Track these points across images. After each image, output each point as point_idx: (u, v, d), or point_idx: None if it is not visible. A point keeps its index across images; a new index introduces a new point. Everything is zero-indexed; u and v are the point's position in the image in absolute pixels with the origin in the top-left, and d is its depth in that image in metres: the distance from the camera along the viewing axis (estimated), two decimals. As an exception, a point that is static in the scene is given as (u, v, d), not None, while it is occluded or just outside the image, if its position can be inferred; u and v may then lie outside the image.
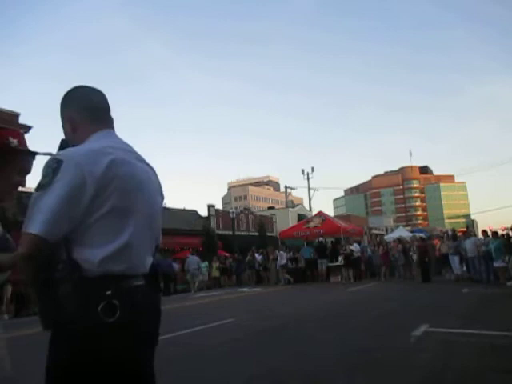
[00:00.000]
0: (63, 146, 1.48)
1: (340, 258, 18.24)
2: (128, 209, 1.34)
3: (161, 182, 1.60)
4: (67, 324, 1.22)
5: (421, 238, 17.02)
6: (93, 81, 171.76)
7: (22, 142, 1.69)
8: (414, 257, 15.54)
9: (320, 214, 20.68)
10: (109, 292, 1.24)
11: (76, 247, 1.28)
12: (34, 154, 1.70)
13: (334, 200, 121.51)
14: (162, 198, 1.58)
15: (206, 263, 19.95)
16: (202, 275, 18.48)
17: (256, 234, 28.14)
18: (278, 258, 18.48)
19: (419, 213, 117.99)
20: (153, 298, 1.42)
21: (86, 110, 1.48)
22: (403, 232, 25.30)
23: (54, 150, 1.49)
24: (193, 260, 18.20)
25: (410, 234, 22.35)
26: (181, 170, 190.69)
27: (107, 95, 1.57)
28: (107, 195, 1.29)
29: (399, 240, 17.50)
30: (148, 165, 1.54)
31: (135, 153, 1.50)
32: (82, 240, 1.28)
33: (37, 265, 1.24)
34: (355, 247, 17.80)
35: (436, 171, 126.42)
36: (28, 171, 1.73)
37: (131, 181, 1.37)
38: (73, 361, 1.22)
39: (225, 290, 17.17)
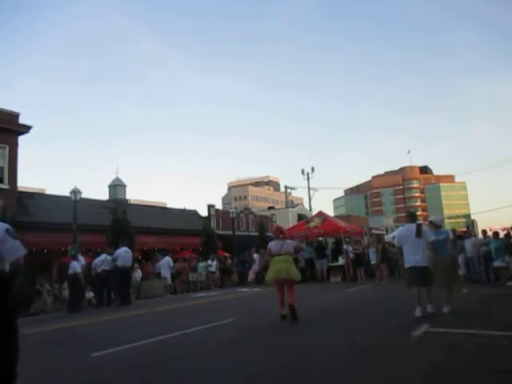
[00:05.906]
0: None
1: (340, 258, 18.21)
2: None
3: None
4: None
5: None
6: (92, 80, 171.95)
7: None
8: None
9: (320, 213, 20.60)
10: None
11: None
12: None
13: (334, 200, 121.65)
14: None
15: (204, 263, 19.94)
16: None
17: (256, 233, 28.11)
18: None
19: (419, 213, 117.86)
20: None
21: None
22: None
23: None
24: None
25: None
26: (181, 170, 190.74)
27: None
28: None
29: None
30: None
31: None
32: None
33: None
34: (348, 248, 17.77)
35: (436, 171, 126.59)
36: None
37: None
38: None
39: (225, 290, 17.17)
